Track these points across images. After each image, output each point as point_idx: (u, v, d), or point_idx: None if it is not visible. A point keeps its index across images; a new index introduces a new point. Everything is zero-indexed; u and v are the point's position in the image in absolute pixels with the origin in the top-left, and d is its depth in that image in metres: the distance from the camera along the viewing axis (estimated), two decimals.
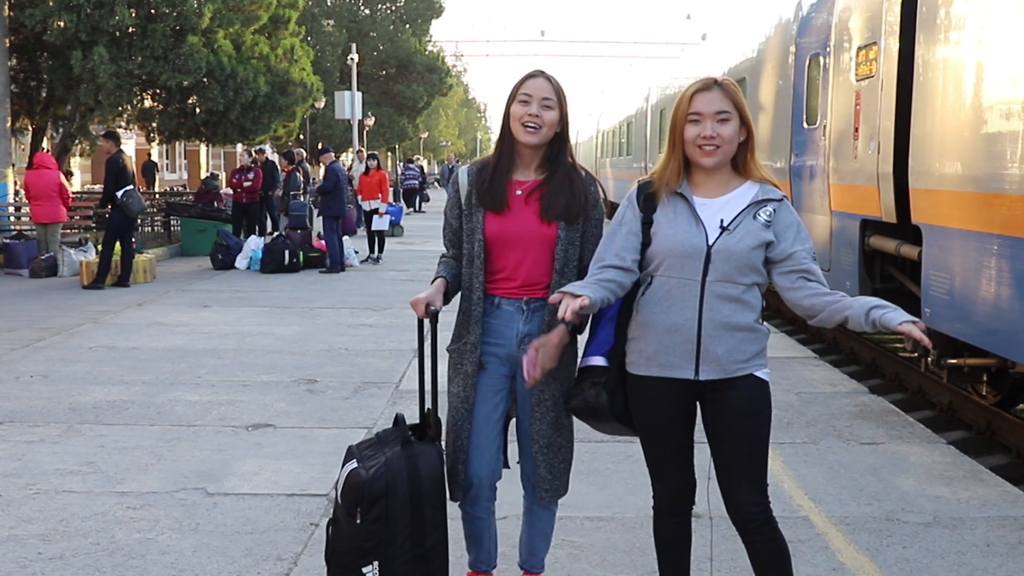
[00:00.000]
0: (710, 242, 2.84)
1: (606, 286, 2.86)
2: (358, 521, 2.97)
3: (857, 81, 8.02)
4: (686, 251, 2.84)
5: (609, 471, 5.11)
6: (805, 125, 9.51)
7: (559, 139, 3.18)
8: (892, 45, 7.32)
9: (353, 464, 3.06)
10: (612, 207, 31.18)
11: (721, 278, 2.83)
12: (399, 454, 3.03)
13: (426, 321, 3.12)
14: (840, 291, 2.90)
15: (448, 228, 3.29)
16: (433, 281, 3.23)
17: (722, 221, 2.85)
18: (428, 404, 3.22)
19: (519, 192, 3.16)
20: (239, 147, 25.09)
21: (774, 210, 2.87)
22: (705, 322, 2.84)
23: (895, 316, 2.75)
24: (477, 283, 3.17)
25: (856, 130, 8.00)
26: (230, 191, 18.74)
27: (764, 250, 2.85)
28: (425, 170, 52.70)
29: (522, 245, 3.14)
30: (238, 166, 18.07)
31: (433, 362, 3.19)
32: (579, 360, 3.19)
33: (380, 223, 16.50)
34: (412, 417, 3.27)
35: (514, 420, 3.35)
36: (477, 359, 3.18)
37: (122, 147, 13.34)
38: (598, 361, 3.05)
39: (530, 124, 3.09)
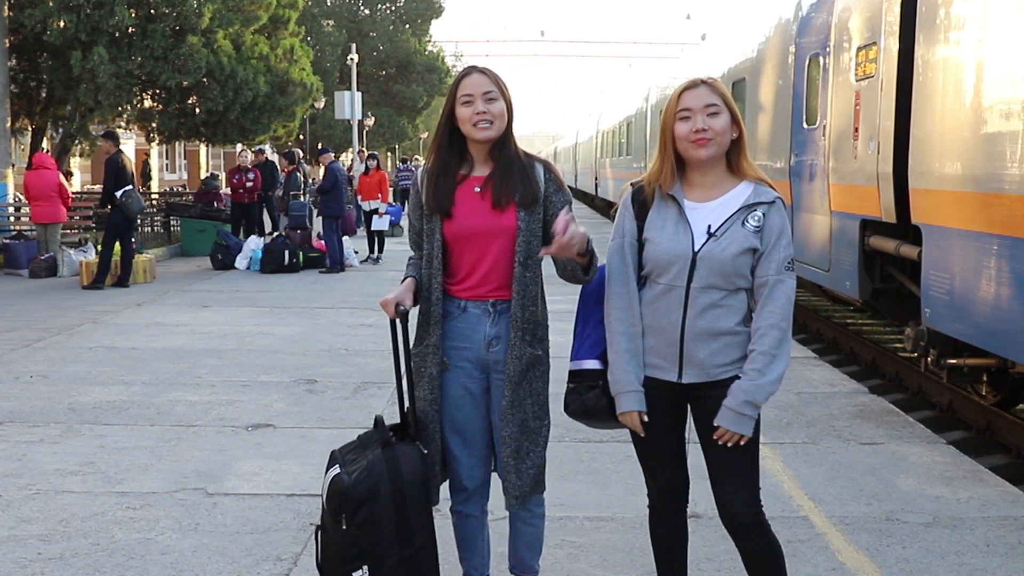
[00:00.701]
0: (695, 248, 2.82)
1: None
2: (344, 527, 2.95)
3: (857, 81, 8.02)
4: (670, 258, 2.84)
5: (609, 471, 5.11)
6: (805, 125, 9.51)
7: (505, 126, 3.13)
8: (892, 45, 7.32)
9: (336, 469, 3.04)
10: (610, 206, 31.19)
11: (705, 284, 2.81)
12: (380, 457, 3.01)
13: (398, 321, 3.11)
14: (770, 341, 2.79)
15: (412, 230, 3.26)
16: (403, 281, 3.20)
17: (709, 227, 2.83)
18: (407, 404, 3.19)
19: (477, 189, 3.11)
20: (238, 147, 25.09)
21: (763, 214, 2.84)
22: (688, 327, 2.84)
23: (727, 419, 2.80)
24: (436, 284, 3.13)
25: (856, 130, 8.00)
26: (229, 191, 18.74)
27: (752, 256, 2.83)
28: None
29: (482, 241, 3.09)
30: (237, 165, 18.04)
31: (407, 361, 3.17)
32: (569, 363, 3.15)
33: (380, 223, 16.50)
34: (393, 417, 3.26)
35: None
36: (440, 360, 3.14)
37: (121, 147, 13.34)
38: (592, 364, 3.04)
39: (482, 122, 3.05)
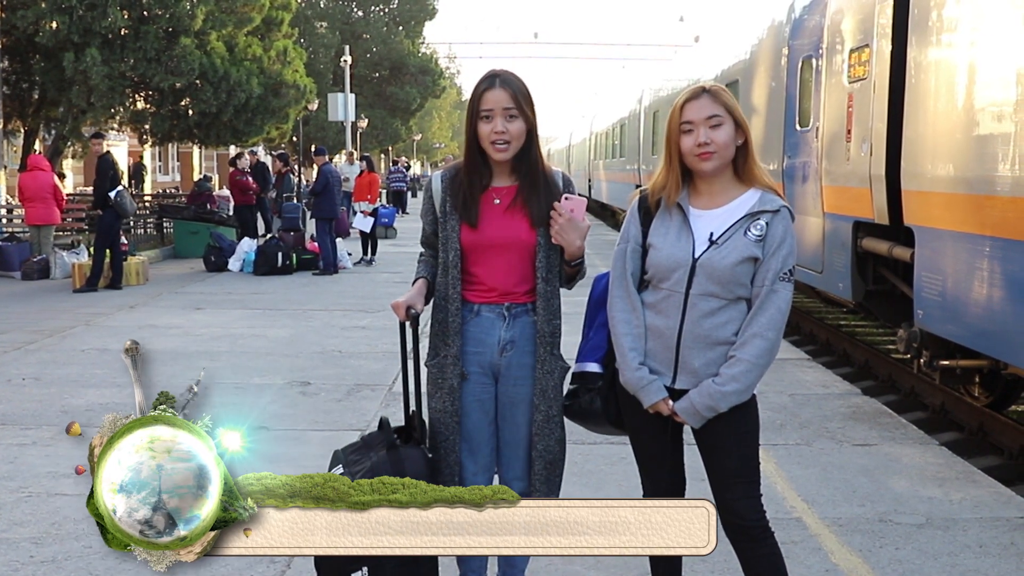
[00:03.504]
0: (696, 255, 2.82)
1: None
2: None
3: (849, 83, 8.04)
4: (671, 265, 2.85)
5: (603, 473, 5.11)
6: (798, 127, 9.53)
7: (528, 140, 3.08)
8: (884, 47, 7.33)
9: (339, 469, 3.03)
10: (604, 208, 31.20)
11: (704, 291, 2.81)
12: (384, 459, 3.00)
13: (408, 324, 3.10)
14: (752, 350, 2.79)
15: (423, 233, 3.26)
16: (414, 282, 3.19)
17: (711, 234, 2.83)
18: (413, 407, 3.19)
19: (497, 200, 3.10)
20: (232, 148, 25.02)
21: (767, 223, 2.82)
22: (685, 334, 2.84)
23: (684, 409, 2.84)
24: (454, 293, 3.09)
25: (849, 132, 8.01)
26: (227, 192, 18.68)
27: (753, 265, 2.82)
28: (418, 172, 52.51)
29: (500, 252, 3.08)
30: (239, 167, 18.00)
31: (416, 364, 3.16)
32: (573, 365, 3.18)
33: (362, 223, 16.42)
34: (397, 420, 3.26)
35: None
36: (460, 371, 3.11)
37: (108, 148, 13.33)
38: (592, 367, 3.06)
39: (499, 142, 3.00)
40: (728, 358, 2.81)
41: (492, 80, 3.05)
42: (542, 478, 3.16)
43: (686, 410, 2.83)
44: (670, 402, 2.86)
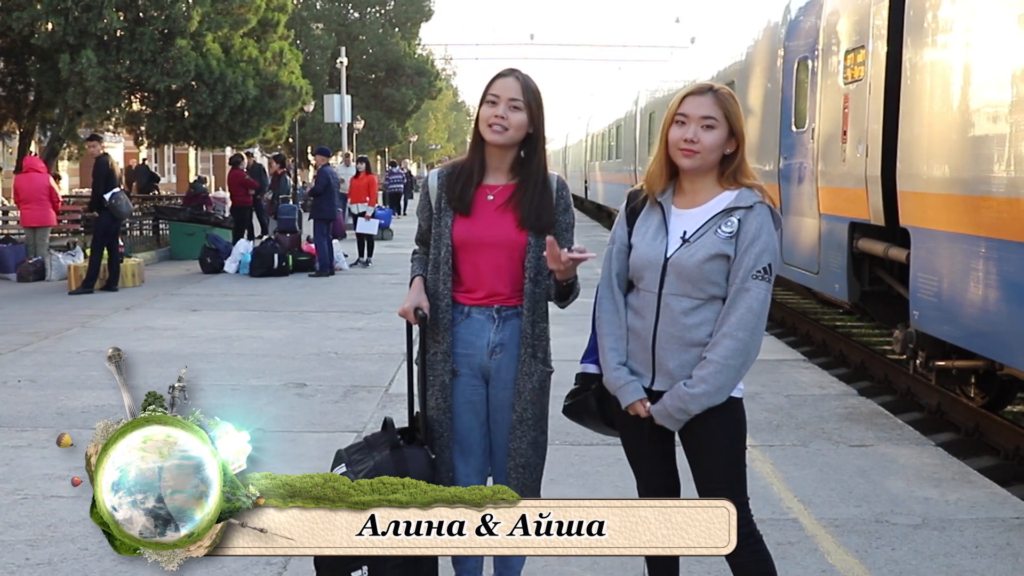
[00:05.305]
0: (668, 254, 2.82)
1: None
2: None
3: (845, 84, 8.05)
4: (644, 264, 2.85)
5: (599, 474, 5.12)
6: (794, 128, 9.54)
7: (531, 142, 3.09)
8: (880, 48, 7.35)
9: (342, 468, 3.04)
10: (600, 209, 31.21)
11: (676, 291, 2.80)
12: (388, 458, 3.01)
13: (416, 325, 3.11)
14: (721, 351, 2.75)
15: (419, 230, 3.27)
16: (412, 281, 3.19)
17: (684, 233, 2.82)
18: (417, 408, 3.20)
19: (491, 197, 3.10)
20: (227, 150, 24.97)
21: (739, 220, 2.79)
22: (659, 334, 2.83)
23: (658, 412, 2.83)
24: (444, 289, 3.11)
25: (844, 133, 8.03)
26: (223, 194, 18.67)
27: (725, 262, 2.78)
28: (414, 174, 52.48)
29: (490, 251, 3.09)
30: (241, 168, 17.98)
31: (422, 366, 3.16)
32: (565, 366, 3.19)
33: (366, 226, 16.43)
34: (400, 421, 3.26)
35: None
36: (451, 368, 3.13)
37: (106, 150, 13.31)
38: (592, 368, 3.07)
39: (496, 125, 3.01)
40: (701, 358, 2.80)
41: (507, 72, 3.09)
42: (512, 479, 3.14)
43: (660, 413, 2.83)
44: (647, 404, 2.86)
